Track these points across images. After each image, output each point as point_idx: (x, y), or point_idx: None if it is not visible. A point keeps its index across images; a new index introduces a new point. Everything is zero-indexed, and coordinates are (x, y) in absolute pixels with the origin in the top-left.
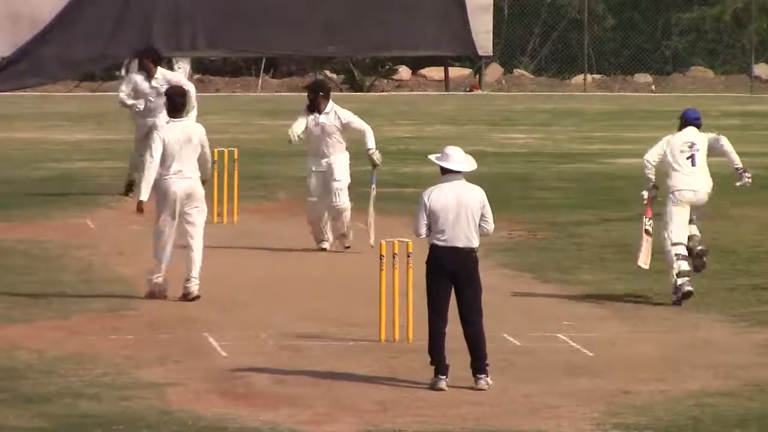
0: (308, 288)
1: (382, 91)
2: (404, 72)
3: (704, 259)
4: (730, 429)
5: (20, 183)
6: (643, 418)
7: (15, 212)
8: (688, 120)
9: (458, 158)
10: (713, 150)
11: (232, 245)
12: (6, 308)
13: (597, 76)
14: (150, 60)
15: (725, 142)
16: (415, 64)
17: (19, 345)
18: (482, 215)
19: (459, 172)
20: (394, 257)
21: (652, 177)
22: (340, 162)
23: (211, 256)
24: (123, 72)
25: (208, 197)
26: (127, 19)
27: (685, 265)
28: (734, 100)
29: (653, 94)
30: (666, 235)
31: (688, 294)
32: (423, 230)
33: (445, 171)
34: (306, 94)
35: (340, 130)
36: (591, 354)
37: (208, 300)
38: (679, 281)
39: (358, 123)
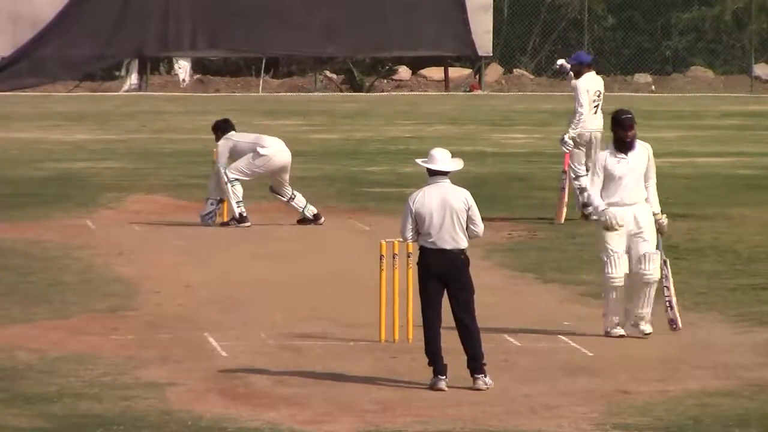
0: (308, 288)
1: (382, 91)
2: (404, 72)
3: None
4: (730, 429)
5: (20, 183)
6: (643, 418)
7: (15, 212)
8: (588, 63)
9: (443, 159)
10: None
11: (232, 245)
12: (6, 308)
13: None
14: None
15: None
16: (415, 64)
17: (19, 345)
18: (470, 218)
19: (444, 173)
20: (394, 257)
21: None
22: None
23: (211, 256)
24: (123, 72)
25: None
26: (127, 19)
27: (584, 181)
28: (734, 100)
29: (653, 94)
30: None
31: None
32: (409, 234)
33: (431, 173)
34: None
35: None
36: (591, 354)
37: (208, 300)
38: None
39: None
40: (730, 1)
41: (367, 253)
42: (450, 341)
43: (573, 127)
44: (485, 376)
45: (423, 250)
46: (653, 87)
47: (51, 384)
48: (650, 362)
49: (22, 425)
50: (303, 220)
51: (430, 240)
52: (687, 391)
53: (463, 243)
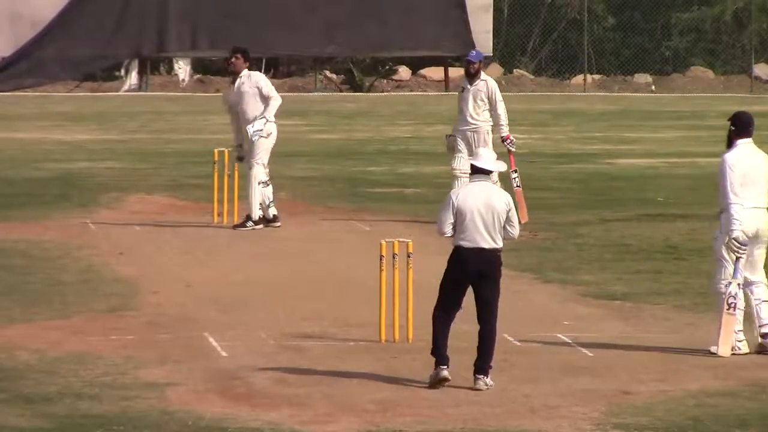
0: (308, 288)
1: (382, 91)
2: (404, 72)
3: None
4: (730, 429)
5: (20, 183)
6: (643, 418)
7: (15, 212)
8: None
9: (489, 159)
10: None
11: (232, 245)
12: (6, 308)
13: (597, 76)
14: None
15: None
16: (415, 64)
17: (19, 345)
18: (508, 218)
19: (488, 173)
20: (394, 257)
21: None
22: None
23: (212, 257)
24: (123, 72)
25: (209, 197)
26: (127, 19)
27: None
28: (734, 100)
29: (653, 94)
30: None
31: None
32: (448, 228)
33: (474, 171)
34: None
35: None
36: (591, 354)
37: (208, 300)
38: None
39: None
40: (730, 1)
41: (367, 253)
42: (451, 340)
43: (505, 126)
44: (487, 377)
45: (459, 249)
46: (653, 87)
47: (51, 384)
48: (650, 362)
49: (22, 425)
50: (259, 221)
51: (468, 238)
52: (687, 391)
53: (500, 243)
